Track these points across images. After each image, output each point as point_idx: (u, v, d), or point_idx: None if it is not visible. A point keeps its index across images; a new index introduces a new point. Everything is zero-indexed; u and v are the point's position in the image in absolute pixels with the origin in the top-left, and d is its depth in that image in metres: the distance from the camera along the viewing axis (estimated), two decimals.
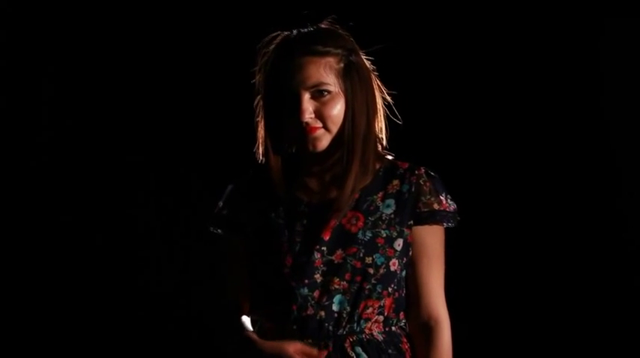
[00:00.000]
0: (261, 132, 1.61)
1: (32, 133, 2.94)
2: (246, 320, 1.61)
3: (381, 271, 1.50)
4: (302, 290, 1.49)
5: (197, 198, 2.86)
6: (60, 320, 2.97)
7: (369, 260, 1.49)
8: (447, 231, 1.59)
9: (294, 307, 1.49)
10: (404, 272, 1.55)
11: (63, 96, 2.91)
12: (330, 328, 1.49)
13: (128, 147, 2.90)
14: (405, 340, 1.56)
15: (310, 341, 1.48)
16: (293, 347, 1.46)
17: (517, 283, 2.64)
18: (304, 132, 1.50)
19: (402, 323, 1.57)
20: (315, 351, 1.46)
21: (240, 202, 1.63)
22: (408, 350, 1.55)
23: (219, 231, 1.65)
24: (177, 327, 2.95)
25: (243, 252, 1.60)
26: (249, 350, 1.50)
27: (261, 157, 1.61)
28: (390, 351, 1.51)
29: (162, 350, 2.99)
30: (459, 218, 1.59)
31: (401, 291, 1.55)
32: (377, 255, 1.50)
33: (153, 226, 2.95)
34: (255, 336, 1.51)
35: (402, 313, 1.56)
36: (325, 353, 1.47)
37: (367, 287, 1.49)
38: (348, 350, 1.48)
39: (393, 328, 1.55)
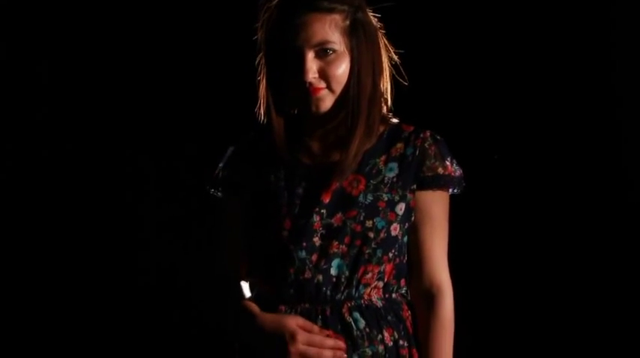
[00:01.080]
0: (262, 91, 1.56)
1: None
2: (245, 285, 1.57)
3: (382, 235, 1.46)
4: (300, 253, 1.45)
5: (197, 162, 2.81)
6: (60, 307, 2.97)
7: (369, 223, 1.45)
8: (452, 198, 1.55)
9: (292, 270, 1.45)
10: (405, 238, 1.50)
11: (59, 75, 2.87)
12: (328, 293, 1.45)
13: (124, 111, 2.85)
14: (405, 307, 1.52)
15: (307, 305, 1.45)
16: (294, 320, 1.43)
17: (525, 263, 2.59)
18: (307, 92, 1.45)
19: (403, 291, 1.53)
20: (316, 328, 1.43)
21: (240, 164, 1.59)
22: (409, 318, 1.51)
23: (218, 192, 1.62)
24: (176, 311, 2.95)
25: (241, 215, 1.56)
26: (248, 324, 1.46)
27: (262, 117, 1.57)
28: (389, 318, 1.47)
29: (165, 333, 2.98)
30: (464, 184, 1.54)
31: (402, 257, 1.51)
32: (377, 218, 1.46)
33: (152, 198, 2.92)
34: (254, 308, 1.48)
35: (403, 280, 1.52)
36: (330, 332, 1.43)
37: (367, 251, 1.45)
38: (346, 315, 1.44)
39: (394, 295, 1.51)
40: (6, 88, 2.87)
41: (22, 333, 2.93)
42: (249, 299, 1.52)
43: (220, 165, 1.62)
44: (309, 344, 1.40)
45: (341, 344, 1.42)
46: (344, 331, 1.44)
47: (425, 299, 1.51)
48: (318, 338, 1.41)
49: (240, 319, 1.48)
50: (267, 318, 1.44)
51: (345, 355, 1.42)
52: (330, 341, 1.41)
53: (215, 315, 1.59)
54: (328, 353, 1.41)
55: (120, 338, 2.93)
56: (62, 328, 2.93)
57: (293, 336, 1.40)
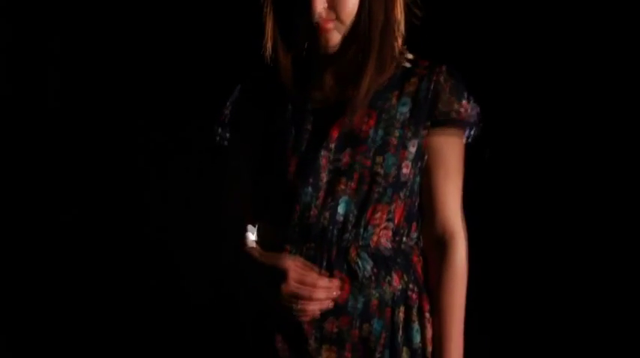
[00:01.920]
0: (269, 25, 1.47)
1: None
2: (250, 228, 1.50)
3: (392, 174, 1.37)
4: (305, 190, 1.37)
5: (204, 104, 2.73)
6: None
7: (379, 159, 1.37)
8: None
9: (297, 209, 1.37)
10: (417, 180, 1.42)
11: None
12: (335, 233, 1.37)
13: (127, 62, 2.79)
14: (416, 253, 1.44)
15: (313, 246, 1.37)
16: (292, 260, 1.36)
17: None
18: (316, 27, 1.37)
19: (414, 236, 1.45)
20: (315, 270, 1.36)
21: (247, 102, 1.52)
22: (419, 264, 1.43)
23: (226, 133, 1.55)
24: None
25: (247, 155, 1.48)
26: (248, 264, 1.40)
27: (269, 53, 1.48)
28: (398, 261, 1.39)
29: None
30: (481, 124, 1.46)
31: (414, 200, 1.42)
32: (388, 154, 1.37)
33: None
34: (255, 250, 1.42)
35: (414, 225, 1.44)
36: (326, 275, 1.36)
37: (376, 189, 1.37)
38: (352, 256, 1.37)
39: (404, 239, 1.42)
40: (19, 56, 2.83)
41: (28, 294, 2.93)
42: (255, 242, 1.46)
43: (227, 104, 1.55)
44: (302, 283, 1.34)
45: (335, 282, 1.35)
46: (350, 273, 1.36)
47: (437, 246, 1.42)
48: (310, 277, 1.34)
49: (242, 260, 1.42)
50: (266, 257, 1.38)
51: (337, 292, 1.35)
52: (324, 281, 1.34)
53: (221, 259, 1.52)
54: (321, 292, 1.34)
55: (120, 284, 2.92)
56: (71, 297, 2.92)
57: (285, 275, 1.34)
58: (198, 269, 2.80)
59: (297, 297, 1.33)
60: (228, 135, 1.54)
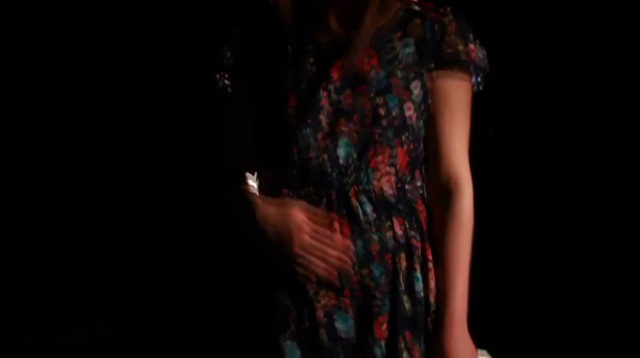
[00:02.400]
0: None
1: None
2: (251, 177, 1.45)
3: (394, 114, 1.32)
4: (304, 131, 1.32)
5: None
6: None
7: (380, 100, 1.32)
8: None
9: (295, 150, 1.32)
10: (421, 125, 1.37)
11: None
12: (334, 176, 1.32)
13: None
14: (419, 202, 1.38)
15: (311, 189, 1.32)
16: (299, 209, 1.31)
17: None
18: None
19: (418, 185, 1.39)
20: (319, 211, 1.30)
21: (246, 44, 1.47)
22: (423, 213, 1.37)
23: (224, 79, 1.51)
24: None
25: (247, 100, 1.44)
26: (251, 214, 1.34)
27: None
28: (400, 207, 1.34)
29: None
30: (488, 69, 1.40)
31: (417, 145, 1.37)
32: (390, 95, 1.32)
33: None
34: (258, 201, 1.36)
35: (417, 172, 1.38)
36: (333, 216, 1.31)
37: (377, 131, 1.32)
38: (352, 199, 1.31)
39: (407, 186, 1.36)
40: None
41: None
42: (255, 189, 1.41)
43: (225, 47, 1.50)
44: (317, 238, 1.29)
45: (349, 245, 1.30)
46: (349, 216, 1.31)
47: (442, 194, 1.36)
48: (325, 232, 1.29)
49: (244, 209, 1.36)
50: (271, 211, 1.32)
51: (351, 260, 1.30)
52: (340, 240, 1.29)
53: (222, 209, 1.47)
54: (333, 252, 1.29)
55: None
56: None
57: (299, 227, 1.29)
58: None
59: (307, 252, 1.28)
60: (226, 81, 1.50)
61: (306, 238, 1.28)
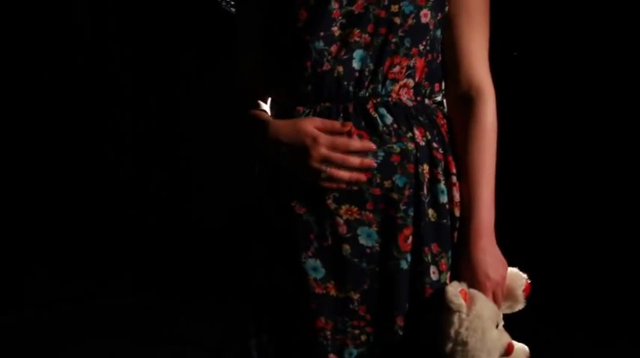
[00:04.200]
0: None
1: None
2: (263, 104, 1.41)
3: (410, 22, 1.27)
4: (317, 43, 1.28)
5: None
6: None
7: (394, 8, 1.27)
8: None
9: (309, 63, 1.28)
10: (439, 34, 1.32)
11: None
12: (350, 88, 1.28)
13: None
14: (440, 115, 1.34)
15: (327, 104, 1.28)
16: (311, 122, 1.26)
17: None
18: None
19: (438, 98, 1.35)
20: (337, 123, 1.26)
21: None
22: (444, 126, 1.33)
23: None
24: None
25: (255, 17, 1.38)
26: (263, 134, 1.30)
27: None
28: (420, 119, 1.30)
29: None
30: None
31: (435, 55, 1.32)
32: (404, 2, 1.27)
33: None
34: (267, 116, 1.33)
35: (437, 85, 1.34)
36: (350, 124, 1.26)
37: (393, 40, 1.27)
38: (371, 111, 1.27)
39: (426, 100, 1.33)
40: None
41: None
42: (267, 110, 1.37)
43: None
44: (333, 147, 1.24)
45: (370, 144, 1.25)
46: (368, 127, 1.26)
47: (463, 103, 1.32)
48: (342, 140, 1.24)
49: (255, 130, 1.33)
50: (282, 125, 1.28)
51: (375, 162, 1.25)
52: (357, 142, 1.24)
53: (235, 131, 1.43)
54: (355, 159, 1.24)
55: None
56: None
57: (315, 140, 1.24)
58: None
59: (327, 162, 1.24)
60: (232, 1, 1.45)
61: (323, 150, 1.23)
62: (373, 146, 1.25)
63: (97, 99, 3.31)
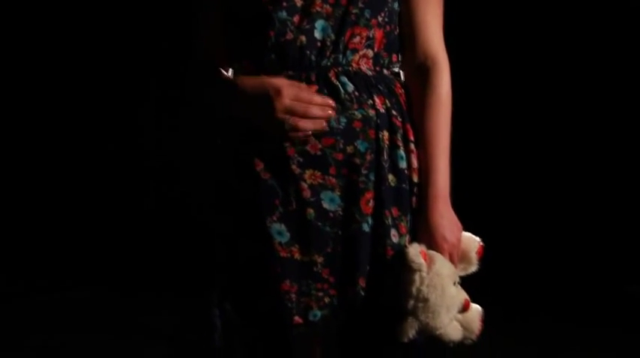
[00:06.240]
0: None
1: None
2: (225, 73, 1.44)
3: None
4: (280, 13, 1.31)
5: None
6: None
7: None
8: None
9: (272, 33, 1.32)
10: (396, 5, 1.37)
11: None
12: (313, 58, 1.32)
13: None
14: (398, 85, 1.39)
15: (291, 73, 1.32)
16: (278, 79, 1.30)
17: None
18: None
19: (396, 69, 1.40)
20: (303, 84, 1.30)
21: None
22: (402, 95, 1.38)
23: None
24: None
25: None
26: (230, 94, 1.34)
27: None
28: (380, 87, 1.35)
29: None
30: None
31: (393, 26, 1.37)
32: None
33: None
34: (233, 78, 1.36)
35: (395, 55, 1.39)
36: (315, 87, 1.31)
37: (353, 11, 1.32)
38: (333, 79, 1.32)
39: (385, 70, 1.38)
40: None
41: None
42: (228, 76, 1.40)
43: None
44: (297, 99, 1.28)
45: (330, 101, 1.30)
46: (330, 94, 1.31)
47: (420, 72, 1.38)
48: (306, 93, 1.29)
49: (221, 91, 1.36)
50: (249, 81, 1.32)
51: (334, 113, 1.30)
52: (319, 98, 1.29)
53: (198, 100, 1.45)
54: (316, 109, 1.29)
55: None
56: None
57: (279, 91, 1.28)
58: None
59: (291, 113, 1.28)
60: None
61: (287, 101, 1.27)
62: (332, 103, 1.30)
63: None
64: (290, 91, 1.28)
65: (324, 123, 1.29)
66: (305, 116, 1.28)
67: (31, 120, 3.74)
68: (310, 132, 1.29)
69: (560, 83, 3.48)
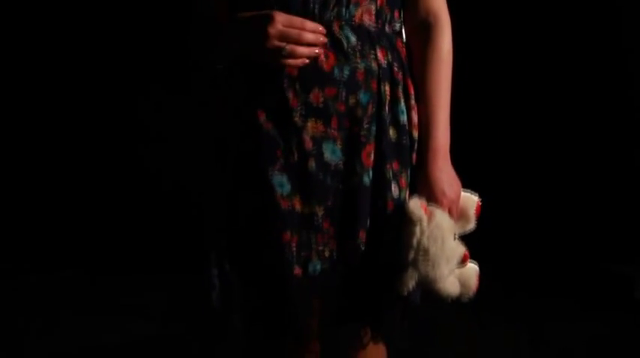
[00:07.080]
0: None
1: None
2: None
3: None
4: None
5: None
6: None
7: None
8: None
9: None
10: None
11: None
12: (316, 11, 1.31)
13: None
14: (399, 42, 1.39)
15: None
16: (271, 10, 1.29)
17: None
18: None
19: (397, 26, 1.40)
20: (298, 18, 1.29)
21: None
22: (403, 51, 1.39)
23: None
24: None
25: None
26: (226, 27, 1.33)
27: None
28: (382, 42, 1.35)
29: None
30: None
31: None
32: None
33: None
34: (230, 16, 1.35)
35: (397, 12, 1.39)
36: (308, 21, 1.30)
37: None
38: (336, 32, 1.31)
39: (387, 26, 1.38)
40: None
41: None
42: None
43: None
44: (290, 25, 1.28)
45: (321, 28, 1.30)
46: (333, 45, 1.31)
47: (421, 29, 1.39)
48: (298, 19, 1.29)
49: (219, 31, 1.35)
50: (241, 15, 1.31)
51: (325, 39, 1.30)
52: (311, 23, 1.29)
53: (202, 52, 1.44)
54: (310, 35, 1.29)
55: None
56: None
57: (271, 17, 1.28)
58: None
59: (285, 40, 1.27)
60: None
61: (280, 26, 1.27)
62: (324, 29, 1.30)
63: None
64: (282, 17, 1.28)
65: (321, 50, 1.29)
66: (299, 42, 1.28)
67: (13, 103, 3.72)
68: (307, 60, 1.29)
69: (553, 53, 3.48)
